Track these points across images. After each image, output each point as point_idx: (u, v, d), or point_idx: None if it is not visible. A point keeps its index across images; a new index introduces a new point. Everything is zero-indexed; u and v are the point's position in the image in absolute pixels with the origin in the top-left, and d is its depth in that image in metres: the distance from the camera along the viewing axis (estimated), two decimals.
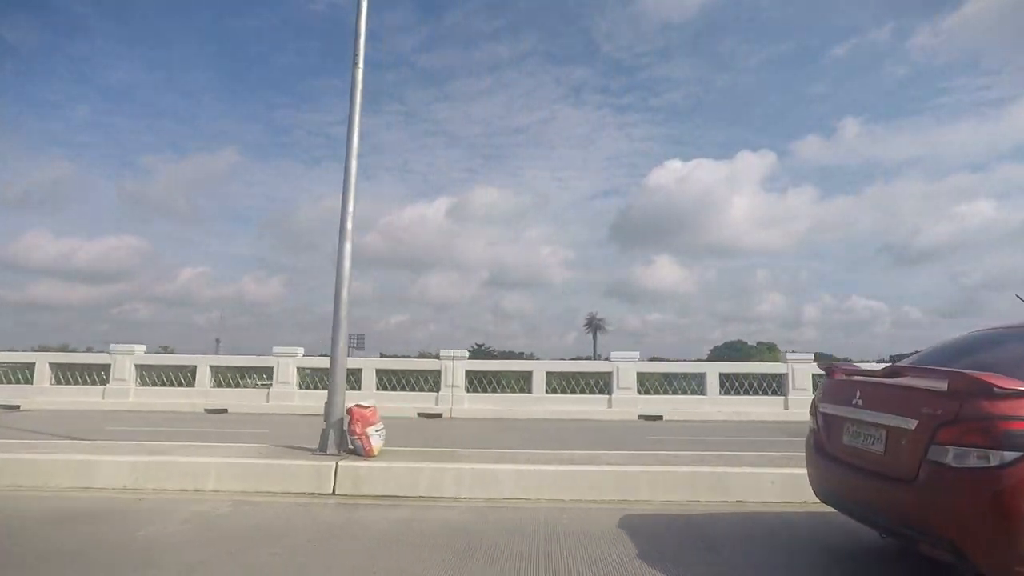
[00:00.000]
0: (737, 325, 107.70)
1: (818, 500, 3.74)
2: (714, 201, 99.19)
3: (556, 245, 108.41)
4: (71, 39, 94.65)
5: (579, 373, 15.28)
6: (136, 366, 15.08)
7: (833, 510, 3.60)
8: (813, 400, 3.91)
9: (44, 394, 14.63)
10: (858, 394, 3.31)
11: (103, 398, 14.63)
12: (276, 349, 15.02)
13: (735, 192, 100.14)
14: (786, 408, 13.88)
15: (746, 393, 14.44)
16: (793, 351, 14.81)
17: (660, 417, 13.62)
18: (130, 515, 4.45)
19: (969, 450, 2.58)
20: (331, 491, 5.21)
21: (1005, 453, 2.49)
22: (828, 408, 3.60)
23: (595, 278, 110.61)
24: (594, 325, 76.84)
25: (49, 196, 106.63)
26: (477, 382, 14.77)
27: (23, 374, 15.21)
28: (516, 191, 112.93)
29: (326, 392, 6.61)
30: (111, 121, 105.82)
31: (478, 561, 3.50)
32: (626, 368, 14.28)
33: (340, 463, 5.43)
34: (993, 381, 2.63)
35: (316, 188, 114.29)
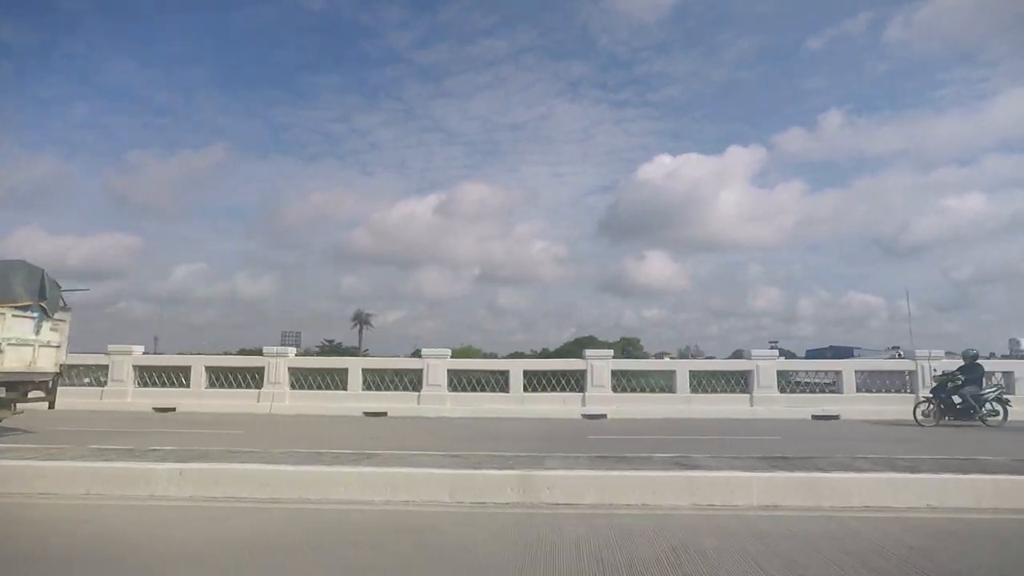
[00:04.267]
0: (734, 320, 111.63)
1: None
2: (704, 196, 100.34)
3: (554, 240, 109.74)
4: (68, 37, 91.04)
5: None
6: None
7: None
8: None
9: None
10: None
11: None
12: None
13: (724, 186, 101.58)
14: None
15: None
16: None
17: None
18: None
19: None
20: None
21: None
22: None
23: (597, 274, 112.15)
24: (361, 320, 77.89)
25: (44, 194, 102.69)
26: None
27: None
28: (516, 188, 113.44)
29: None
30: (107, 119, 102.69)
31: None
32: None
33: None
34: None
35: (313, 185, 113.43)
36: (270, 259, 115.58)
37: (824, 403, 14.99)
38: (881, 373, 16.01)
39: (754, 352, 15.76)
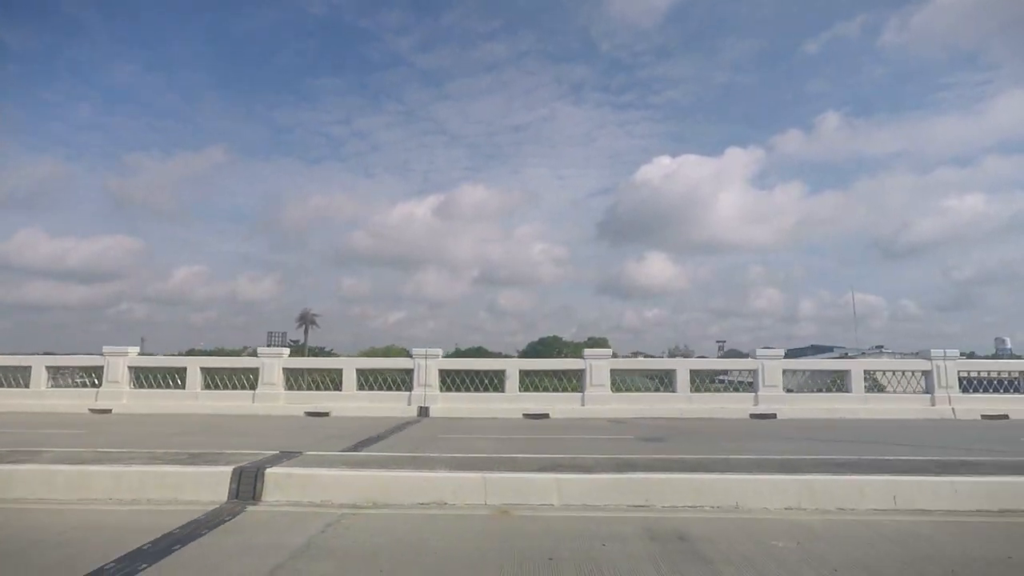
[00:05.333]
0: (735, 321, 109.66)
1: None
2: (703, 197, 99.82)
3: (555, 242, 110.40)
4: (71, 40, 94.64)
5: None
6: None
7: None
8: None
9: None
10: None
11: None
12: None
13: (724, 188, 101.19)
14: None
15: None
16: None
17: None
18: None
19: None
20: None
21: None
22: None
23: (598, 275, 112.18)
24: (307, 320, 78.64)
25: (45, 195, 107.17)
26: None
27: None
28: (517, 190, 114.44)
29: None
30: (109, 121, 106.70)
31: None
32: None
33: None
34: None
35: (315, 187, 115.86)
36: (271, 261, 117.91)
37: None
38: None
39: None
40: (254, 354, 14.68)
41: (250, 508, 4.99)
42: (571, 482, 5.12)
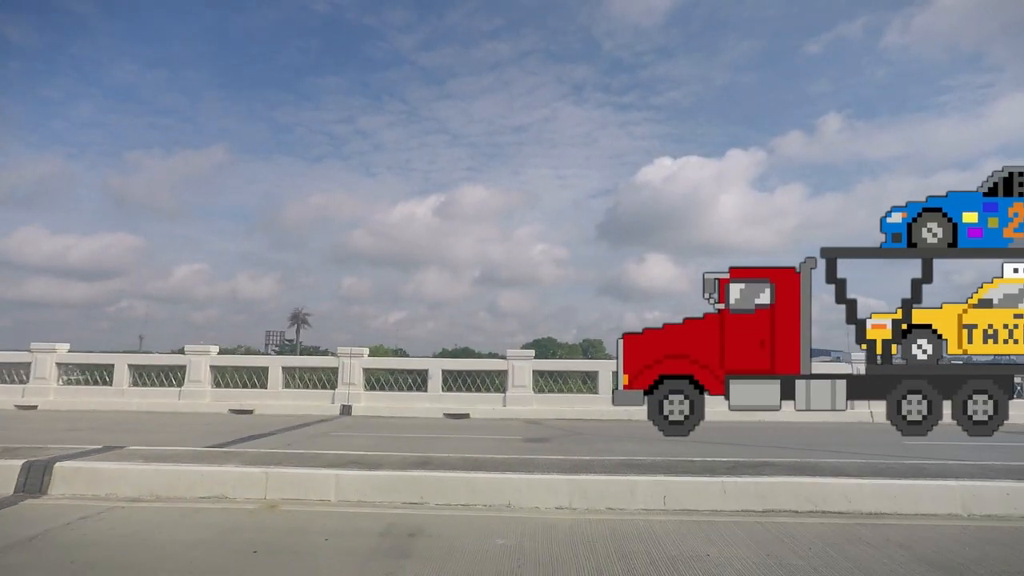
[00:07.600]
0: None
1: None
2: (704, 198, 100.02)
3: (555, 243, 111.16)
4: (73, 38, 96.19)
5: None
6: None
7: None
8: None
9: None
10: None
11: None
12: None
13: (725, 190, 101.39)
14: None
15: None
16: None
17: None
18: None
19: None
20: None
21: None
22: None
23: (598, 276, 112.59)
24: (298, 319, 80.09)
25: (47, 194, 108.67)
26: None
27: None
28: (518, 190, 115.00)
29: None
30: (111, 119, 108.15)
31: None
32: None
33: None
34: None
35: (317, 186, 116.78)
36: (271, 259, 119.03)
37: None
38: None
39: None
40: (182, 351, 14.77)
41: (28, 502, 5.03)
42: (350, 478, 5.12)
